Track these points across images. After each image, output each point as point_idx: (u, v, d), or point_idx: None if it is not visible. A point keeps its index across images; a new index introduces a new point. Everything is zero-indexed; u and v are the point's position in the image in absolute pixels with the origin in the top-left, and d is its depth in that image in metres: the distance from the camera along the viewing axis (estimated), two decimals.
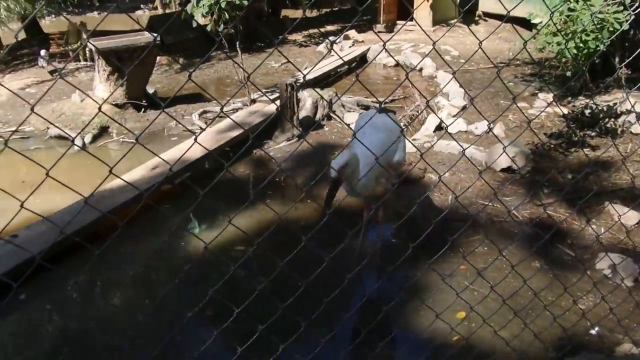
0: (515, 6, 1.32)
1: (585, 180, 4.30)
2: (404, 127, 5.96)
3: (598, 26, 5.21)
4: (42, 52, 9.47)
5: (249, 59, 10.07)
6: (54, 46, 10.38)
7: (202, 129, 6.19)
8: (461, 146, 1.54)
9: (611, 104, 5.39)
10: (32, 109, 0.93)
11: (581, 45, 5.32)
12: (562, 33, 5.41)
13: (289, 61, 1.16)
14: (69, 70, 9.24)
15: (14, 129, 6.55)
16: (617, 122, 5.25)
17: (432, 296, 2.62)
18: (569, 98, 6.47)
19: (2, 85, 1.09)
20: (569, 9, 5.53)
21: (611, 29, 5.21)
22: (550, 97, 6.59)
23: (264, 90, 7.43)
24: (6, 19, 9.75)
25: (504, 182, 4.45)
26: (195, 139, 1.05)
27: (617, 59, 6.42)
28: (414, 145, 1.81)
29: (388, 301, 1.69)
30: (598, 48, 5.26)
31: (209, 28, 6.60)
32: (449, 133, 1.49)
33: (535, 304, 2.40)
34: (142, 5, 18.85)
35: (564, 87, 6.63)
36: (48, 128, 6.18)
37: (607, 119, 5.25)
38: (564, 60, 5.91)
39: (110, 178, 1.13)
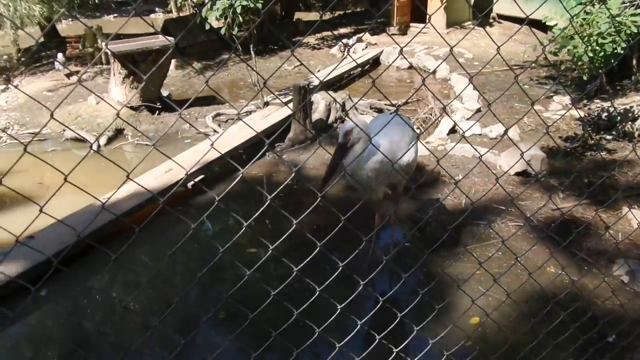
0: (535, 11, 1.31)
1: (602, 184, 4.24)
2: (417, 130, 5.94)
3: (615, 29, 5.14)
4: (59, 55, 9.61)
5: (261, 62, 10.10)
6: (71, 49, 10.52)
7: (219, 134, 6.22)
8: (477, 151, 1.52)
9: (628, 106, 5.32)
10: (51, 115, 0.94)
11: (597, 48, 5.25)
12: (579, 36, 5.34)
13: (302, 64, 1.16)
14: (85, 74, 9.35)
15: (30, 131, 6.65)
16: (635, 125, 5.17)
17: (447, 302, 2.60)
18: (585, 101, 6.38)
19: (20, 90, 1.11)
20: (585, 12, 5.46)
21: (628, 31, 5.13)
22: (565, 99, 6.51)
23: (277, 93, 7.44)
24: (27, 21, 9.89)
25: (519, 186, 4.41)
26: (212, 145, 1.05)
27: (634, 61, 6.33)
28: (429, 150, 1.80)
29: (402, 306, 1.68)
30: (615, 51, 5.18)
31: (222, 31, 6.66)
32: (465, 137, 1.46)
33: (552, 310, 2.37)
34: (156, 9, 18.99)
35: (583, 92, 6.54)
36: (64, 130, 6.27)
37: (624, 122, 5.17)
38: (579, 63, 5.84)
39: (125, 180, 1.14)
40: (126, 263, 3.41)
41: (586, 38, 5.28)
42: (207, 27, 7.07)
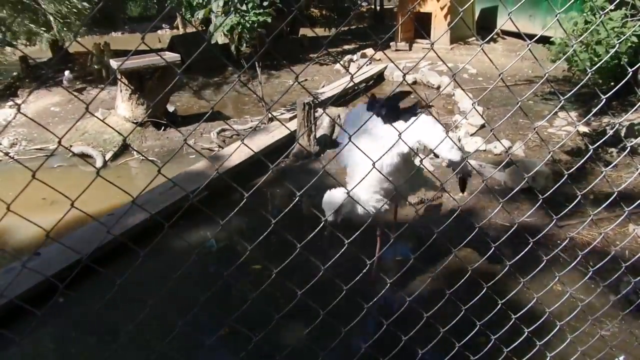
0: (543, 30, 1.32)
1: (608, 200, 4.21)
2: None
3: (617, 41, 5.14)
4: (66, 72, 9.73)
5: (267, 76, 10.18)
6: (78, 66, 10.65)
7: (223, 151, 6.24)
8: (482, 175, 1.52)
9: (634, 122, 5.30)
10: (59, 143, 0.95)
11: (595, 59, 5.23)
12: (580, 44, 5.35)
13: (304, 87, 1.18)
14: (92, 90, 9.46)
15: (38, 147, 6.71)
16: None
17: (452, 324, 2.56)
18: (592, 117, 6.38)
19: (24, 114, 1.12)
20: (586, 21, 5.47)
21: (630, 43, 5.13)
22: (570, 114, 6.51)
23: (282, 110, 7.50)
24: (37, 38, 9.99)
25: (524, 203, 4.39)
26: (217, 170, 1.06)
27: (639, 76, 6.32)
28: (430, 172, 1.80)
29: (407, 329, 1.67)
30: (615, 62, 5.17)
31: (232, 48, 6.75)
32: (468, 162, 1.47)
33: (559, 331, 2.34)
34: (163, 25, 19.25)
35: (587, 107, 6.54)
36: (71, 146, 6.32)
37: (630, 138, 5.16)
38: (576, 70, 5.78)
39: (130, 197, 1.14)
40: (128, 283, 3.39)
41: (584, 47, 5.28)
42: (220, 43, 7.12)
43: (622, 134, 5.18)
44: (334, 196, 2.38)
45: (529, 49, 1.32)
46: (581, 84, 1.97)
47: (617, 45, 4.79)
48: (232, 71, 10.22)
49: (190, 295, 3.27)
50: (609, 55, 4.92)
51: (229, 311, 2.90)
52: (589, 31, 5.31)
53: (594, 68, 2.14)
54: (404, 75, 1.13)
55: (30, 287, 3.23)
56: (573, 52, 5.41)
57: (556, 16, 1.36)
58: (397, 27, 10.14)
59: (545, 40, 6.14)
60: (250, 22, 6.45)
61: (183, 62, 10.44)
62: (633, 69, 1.70)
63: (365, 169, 2.58)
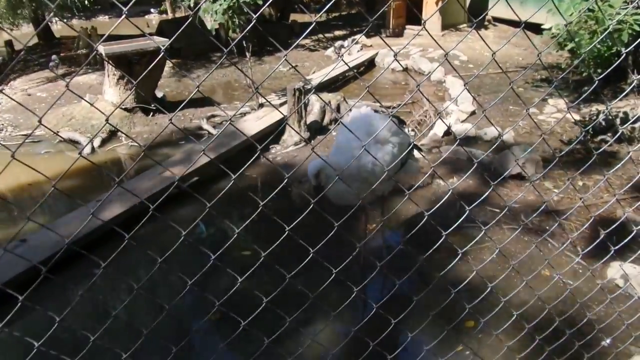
0: (531, 16, 1.30)
1: (597, 186, 4.25)
2: (411, 132, 5.93)
3: (617, 27, 5.12)
4: (53, 56, 9.56)
5: (258, 63, 10.08)
6: (65, 50, 10.47)
7: (213, 137, 6.19)
8: (473, 157, 1.51)
9: (625, 109, 5.33)
10: (39, 122, 0.92)
11: (600, 47, 5.22)
12: (585, 31, 5.31)
13: (295, 68, 1.15)
14: (80, 76, 9.30)
15: (24, 133, 6.60)
16: (635, 127, 5.18)
17: (441, 307, 2.57)
18: (581, 104, 6.40)
19: (9, 97, 1.08)
20: (589, 9, 5.44)
21: (629, 30, 5.11)
22: (560, 102, 6.53)
23: (272, 95, 7.43)
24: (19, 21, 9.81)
25: (513, 188, 4.41)
26: (204, 151, 1.03)
27: (630, 64, 6.34)
28: (423, 155, 1.79)
29: (396, 312, 1.67)
30: (613, 50, 5.16)
31: (225, 34, 6.61)
32: (462, 146, 1.46)
33: (547, 316, 2.36)
34: (152, 10, 18.92)
35: (578, 95, 6.55)
36: (58, 132, 6.22)
37: (621, 125, 5.19)
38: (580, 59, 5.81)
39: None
40: (117, 269, 3.37)
41: (590, 35, 5.25)
42: (212, 31, 6.96)
43: (617, 122, 5.18)
44: (315, 162, 2.69)
45: (523, 30, 1.30)
46: (574, 64, 1.95)
47: (611, 27, 4.79)
48: (221, 56, 10.09)
49: (179, 280, 3.25)
50: (604, 36, 4.91)
51: (218, 296, 2.90)
52: (581, 15, 5.29)
53: (586, 51, 2.12)
54: (396, 54, 1.11)
55: (18, 274, 3.20)
56: (574, 40, 5.37)
57: None
58: (388, 3, 10.00)
59: (536, 28, 6.10)
60: (241, 3, 6.30)
61: (172, 47, 10.30)
62: (627, 50, 1.70)
63: (344, 146, 2.88)
